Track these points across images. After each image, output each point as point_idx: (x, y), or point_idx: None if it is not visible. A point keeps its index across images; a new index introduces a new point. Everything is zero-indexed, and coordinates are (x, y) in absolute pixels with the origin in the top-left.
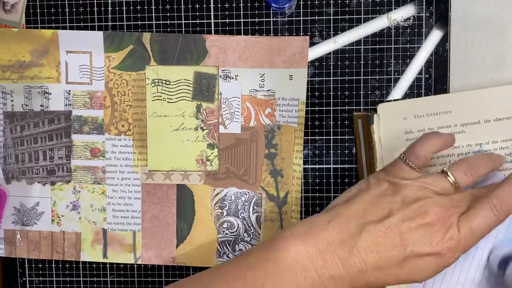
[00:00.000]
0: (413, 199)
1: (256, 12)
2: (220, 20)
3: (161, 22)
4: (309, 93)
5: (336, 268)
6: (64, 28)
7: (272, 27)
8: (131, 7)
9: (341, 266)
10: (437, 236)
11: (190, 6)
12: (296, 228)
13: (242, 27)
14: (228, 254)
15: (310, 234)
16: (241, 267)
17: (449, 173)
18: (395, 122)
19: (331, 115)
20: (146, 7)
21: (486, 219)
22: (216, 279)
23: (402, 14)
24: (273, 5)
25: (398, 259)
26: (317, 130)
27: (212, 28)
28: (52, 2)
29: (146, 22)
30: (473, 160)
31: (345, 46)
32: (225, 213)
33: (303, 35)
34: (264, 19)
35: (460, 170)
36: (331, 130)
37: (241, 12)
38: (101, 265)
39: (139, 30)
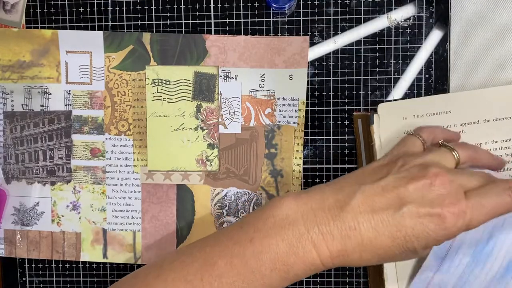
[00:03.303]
0: (414, 164)
1: (256, 12)
2: (220, 20)
3: (161, 22)
4: (309, 93)
5: (326, 223)
6: (64, 28)
7: (272, 27)
8: (131, 7)
9: (332, 221)
10: (438, 197)
11: (190, 6)
12: (294, 192)
13: (242, 27)
14: None
15: (305, 195)
16: (236, 228)
17: (448, 145)
18: (395, 122)
19: (331, 115)
20: (146, 7)
21: (499, 198)
22: (211, 241)
23: (402, 14)
24: (273, 5)
25: (394, 218)
26: (317, 130)
27: (212, 28)
28: (52, 2)
29: (146, 22)
30: (474, 145)
31: (345, 46)
32: (225, 213)
33: (303, 35)
34: (264, 19)
35: (462, 146)
36: (331, 130)
37: (241, 12)
38: (101, 265)
39: (139, 30)
